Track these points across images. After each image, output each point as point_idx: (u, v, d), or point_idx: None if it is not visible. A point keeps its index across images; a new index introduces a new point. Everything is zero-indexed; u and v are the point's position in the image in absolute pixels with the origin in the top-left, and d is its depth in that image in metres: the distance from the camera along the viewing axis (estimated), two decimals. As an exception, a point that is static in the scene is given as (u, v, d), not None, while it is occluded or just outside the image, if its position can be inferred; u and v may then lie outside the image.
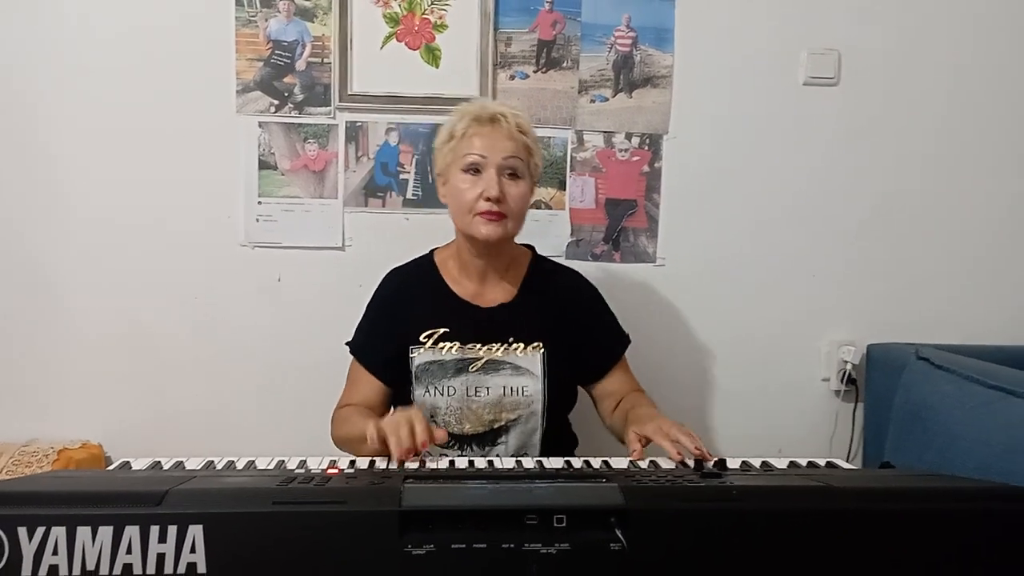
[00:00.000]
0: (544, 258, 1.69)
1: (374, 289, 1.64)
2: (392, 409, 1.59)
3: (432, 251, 1.66)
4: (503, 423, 1.54)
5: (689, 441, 1.25)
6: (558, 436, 1.61)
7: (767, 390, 2.14)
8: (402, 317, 1.56)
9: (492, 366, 1.53)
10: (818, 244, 2.10)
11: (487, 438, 1.54)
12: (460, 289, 1.58)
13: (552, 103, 2.01)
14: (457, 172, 1.49)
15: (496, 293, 1.58)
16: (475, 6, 1.96)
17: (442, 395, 1.53)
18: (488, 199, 1.45)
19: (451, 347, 1.53)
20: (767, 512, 0.89)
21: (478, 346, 1.53)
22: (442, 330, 1.54)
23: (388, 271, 1.65)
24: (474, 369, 1.52)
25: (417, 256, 1.66)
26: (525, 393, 1.52)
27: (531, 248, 1.68)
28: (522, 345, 1.54)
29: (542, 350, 1.54)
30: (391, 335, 1.55)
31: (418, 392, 1.53)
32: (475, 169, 1.47)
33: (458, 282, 1.59)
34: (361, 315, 1.64)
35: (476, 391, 1.52)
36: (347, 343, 1.64)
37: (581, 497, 0.89)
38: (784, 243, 2.10)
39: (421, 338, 1.54)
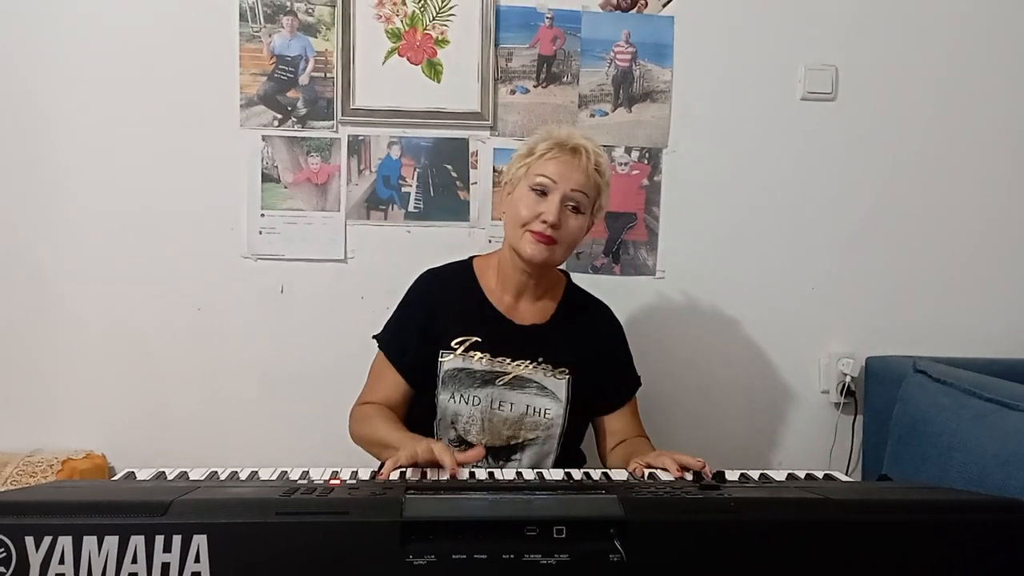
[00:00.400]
0: (577, 286, 1.70)
1: (409, 286, 1.63)
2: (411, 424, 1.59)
3: (471, 258, 1.66)
4: (520, 441, 1.55)
5: (692, 460, 1.27)
6: (570, 462, 1.60)
7: (767, 402, 2.15)
8: (435, 319, 1.56)
9: (519, 383, 1.54)
10: (816, 257, 2.12)
11: (502, 453, 1.55)
12: (496, 301, 1.59)
13: (552, 117, 2.02)
14: (525, 188, 1.50)
15: (531, 312, 1.59)
16: (476, 22, 1.99)
17: (466, 403, 1.53)
18: (545, 222, 1.46)
19: (481, 357, 1.53)
20: (765, 524, 0.89)
21: (508, 360, 1.54)
22: (474, 339, 1.54)
23: (425, 270, 1.65)
24: (501, 383, 1.53)
25: (454, 260, 1.67)
26: (547, 415, 1.54)
27: (566, 274, 1.69)
28: (550, 367, 1.55)
29: (568, 376, 1.55)
30: (422, 336, 1.55)
31: (443, 397, 1.53)
32: (542, 191, 1.48)
33: (495, 294, 1.59)
34: (394, 309, 1.63)
35: (500, 405, 1.53)
36: (375, 336, 1.63)
37: (581, 508, 0.90)
38: (783, 256, 2.11)
39: (453, 344, 1.54)
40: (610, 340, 1.66)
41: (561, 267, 1.68)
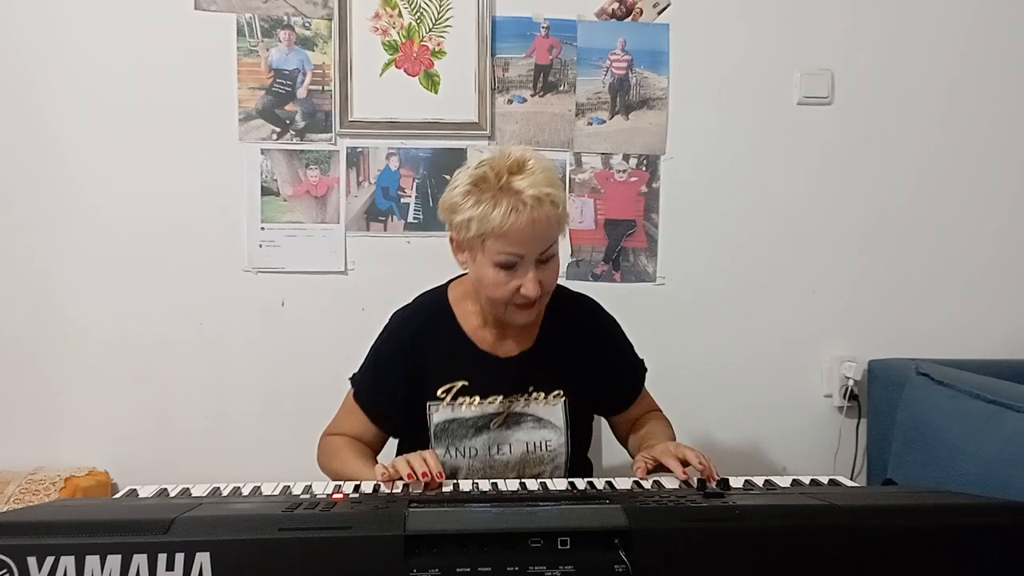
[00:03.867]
0: (558, 291, 1.49)
1: (381, 330, 1.50)
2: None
3: (446, 287, 1.52)
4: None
5: (695, 459, 1.24)
6: (578, 475, 1.53)
7: (770, 407, 2.14)
8: (415, 370, 1.44)
9: (513, 419, 1.44)
10: (817, 261, 2.11)
11: None
12: (478, 338, 1.46)
13: (550, 126, 2.03)
14: (487, 263, 1.32)
15: (516, 340, 1.47)
16: (472, 33, 1.99)
17: (463, 456, 1.43)
18: (526, 295, 1.32)
19: (470, 402, 1.43)
20: (770, 531, 0.89)
21: (499, 399, 1.43)
22: (460, 384, 1.43)
23: (395, 314, 1.50)
24: (495, 425, 1.44)
25: (427, 290, 1.53)
26: (549, 448, 1.45)
27: None
28: (543, 394, 1.45)
29: (563, 398, 1.46)
30: (404, 390, 1.44)
31: (438, 452, 1.40)
32: (510, 265, 1.31)
33: (477, 332, 1.46)
34: (367, 354, 1.50)
35: (499, 449, 1.44)
36: (350, 378, 1.54)
37: (585, 519, 0.90)
38: (783, 261, 2.11)
39: (439, 393, 1.43)
40: (603, 339, 1.53)
41: None
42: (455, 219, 1.33)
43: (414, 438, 1.46)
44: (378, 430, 1.48)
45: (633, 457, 1.49)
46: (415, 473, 1.20)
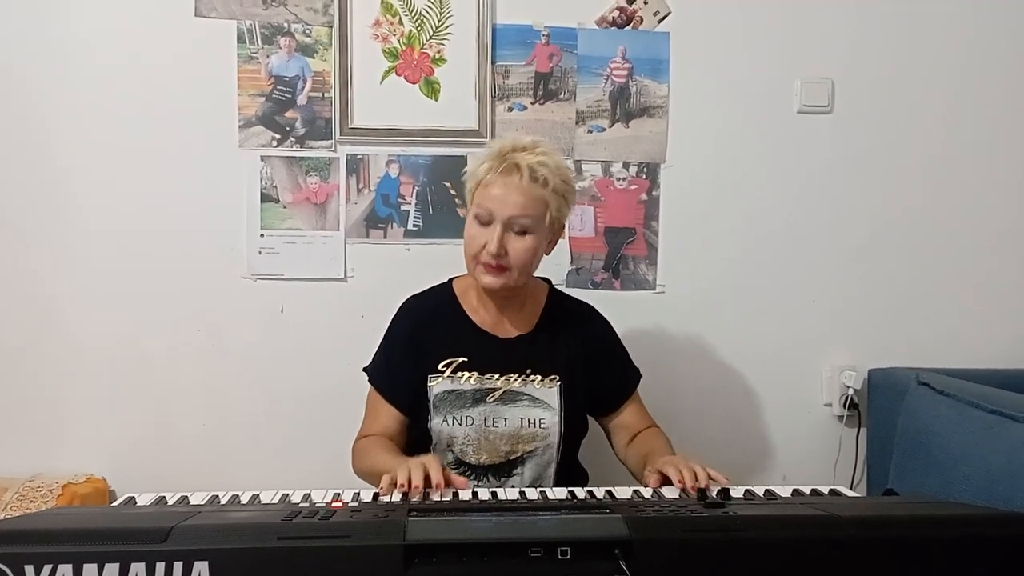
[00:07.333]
0: (560, 292, 1.71)
1: (392, 317, 1.63)
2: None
3: (451, 280, 1.65)
4: (519, 455, 1.54)
5: (699, 471, 1.26)
6: (571, 468, 1.62)
7: (769, 416, 2.14)
8: (421, 346, 1.56)
9: (510, 397, 1.54)
10: (817, 270, 2.11)
11: (503, 469, 1.54)
12: (479, 319, 1.58)
13: (550, 134, 2.03)
14: (471, 216, 1.50)
15: (515, 324, 1.59)
16: (473, 40, 1.99)
17: (460, 425, 1.52)
18: (490, 253, 1.45)
19: (469, 376, 1.53)
20: (771, 542, 0.89)
21: (496, 376, 1.54)
22: (460, 359, 1.54)
23: (406, 299, 1.64)
24: (492, 400, 1.53)
25: (435, 284, 1.66)
26: (542, 425, 1.53)
27: (548, 281, 1.70)
28: (539, 377, 1.55)
29: (559, 383, 1.55)
30: (410, 364, 1.55)
31: (435, 421, 1.53)
32: (485, 221, 1.47)
33: (477, 312, 1.59)
34: (379, 342, 1.63)
35: (494, 422, 1.53)
36: (364, 369, 1.64)
37: (585, 529, 0.90)
38: (783, 269, 2.11)
39: (440, 367, 1.54)
40: (600, 341, 1.64)
41: (546, 276, 1.70)
42: (467, 175, 1.54)
43: (418, 415, 1.55)
44: (398, 412, 1.57)
45: (631, 468, 1.57)
46: (408, 485, 1.22)
